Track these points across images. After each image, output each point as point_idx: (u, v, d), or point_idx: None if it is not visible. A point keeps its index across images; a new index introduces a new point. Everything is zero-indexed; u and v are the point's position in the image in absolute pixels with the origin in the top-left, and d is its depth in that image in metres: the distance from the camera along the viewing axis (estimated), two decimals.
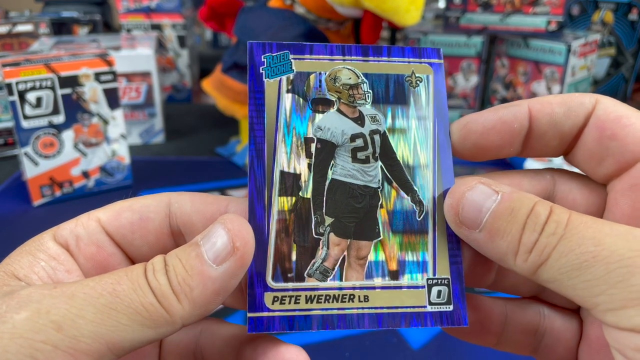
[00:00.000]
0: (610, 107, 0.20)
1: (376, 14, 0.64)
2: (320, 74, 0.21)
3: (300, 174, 0.20)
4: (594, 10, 0.92)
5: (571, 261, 0.17)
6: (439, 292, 0.20)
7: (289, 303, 0.19)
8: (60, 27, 0.96)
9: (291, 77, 0.20)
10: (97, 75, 0.65)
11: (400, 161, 0.21)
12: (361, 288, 0.20)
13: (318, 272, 0.20)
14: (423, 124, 0.21)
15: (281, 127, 0.20)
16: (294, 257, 0.20)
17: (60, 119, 0.65)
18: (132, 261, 0.22)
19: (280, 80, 0.20)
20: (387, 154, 0.21)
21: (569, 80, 0.81)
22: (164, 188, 0.71)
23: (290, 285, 0.19)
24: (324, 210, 0.20)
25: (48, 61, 0.63)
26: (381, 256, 0.20)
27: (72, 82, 0.64)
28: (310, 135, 0.20)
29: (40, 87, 0.62)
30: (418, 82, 0.21)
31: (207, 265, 0.18)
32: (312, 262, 0.20)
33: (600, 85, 0.96)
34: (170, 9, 1.02)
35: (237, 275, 0.18)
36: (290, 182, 0.20)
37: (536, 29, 0.83)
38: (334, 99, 0.21)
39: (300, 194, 0.20)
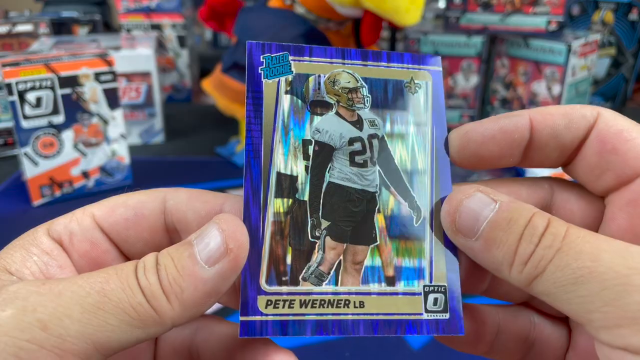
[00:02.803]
0: (612, 121, 0.20)
1: (376, 14, 0.64)
2: (319, 76, 0.21)
3: (297, 176, 0.20)
4: (594, 10, 0.92)
5: (567, 275, 0.17)
6: (436, 299, 0.20)
7: (283, 307, 0.19)
8: (60, 27, 0.96)
9: (290, 79, 0.20)
10: (97, 75, 0.65)
11: (398, 166, 0.21)
12: (357, 293, 0.20)
13: (313, 276, 0.19)
14: (421, 131, 0.21)
15: (279, 129, 0.20)
16: (288, 260, 0.19)
17: (60, 119, 0.65)
18: (127, 257, 0.21)
19: (278, 81, 0.20)
20: (385, 159, 0.21)
21: (569, 80, 0.81)
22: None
23: (284, 289, 0.19)
24: (320, 214, 0.20)
25: (48, 61, 0.63)
26: (377, 261, 0.20)
27: (72, 82, 0.64)
28: (308, 137, 0.20)
29: (40, 87, 0.62)
30: (417, 88, 0.21)
31: (199, 266, 0.17)
32: (307, 266, 0.19)
33: (600, 85, 0.96)
34: (170, 9, 1.01)
35: (229, 278, 0.18)
36: (287, 184, 0.20)
37: (536, 29, 0.83)
38: (332, 102, 0.21)
39: (296, 196, 0.20)
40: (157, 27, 1.02)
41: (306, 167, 0.20)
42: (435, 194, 0.21)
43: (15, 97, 0.61)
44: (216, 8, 0.76)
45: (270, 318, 0.19)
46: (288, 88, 0.20)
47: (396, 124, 0.21)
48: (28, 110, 0.63)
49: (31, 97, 0.62)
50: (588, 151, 0.20)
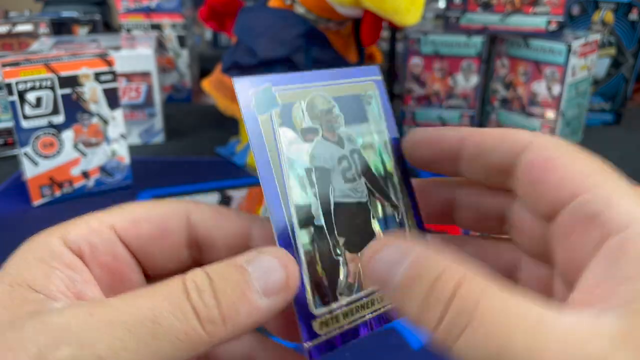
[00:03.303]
0: (542, 149, 0.19)
1: (376, 14, 0.64)
2: (300, 103, 0.21)
3: (310, 204, 0.21)
4: (594, 10, 0.92)
5: (477, 356, 0.15)
6: None
7: (333, 324, 0.21)
8: (60, 27, 0.96)
9: (279, 111, 0.21)
10: (97, 75, 0.65)
11: (375, 174, 0.23)
12: (372, 292, 0.22)
13: (346, 288, 0.21)
14: (382, 138, 0.23)
15: (285, 162, 0.20)
16: (325, 282, 0.21)
17: (60, 119, 0.65)
18: (144, 269, 0.21)
19: (270, 115, 0.20)
20: (365, 169, 0.23)
21: (569, 80, 0.81)
22: (163, 188, 0.71)
23: (329, 308, 0.21)
24: (336, 233, 0.21)
25: (48, 61, 0.63)
26: None
27: (72, 82, 0.64)
28: (309, 165, 0.21)
29: (40, 87, 0.62)
30: (369, 99, 0.23)
31: (255, 293, 0.17)
32: (338, 282, 0.21)
33: (600, 85, 0.96)
34: (170, 9, 1.01)
35: (279, 310, 0.18)
36: (305, 214, 0.21)
37: (536, 29, 0.83)
38: (317, 127, 0.22)
39: (315, 222, 0.21)
40: (157, 27, 1.02)
41: (314, 194, 0.21)
42: (402, 191, 0.24)
43: (15, 97, 0.61)
44: (216, 8, 0.76)
45: (326, 337, 0.21)
46: (280, 121, 0.21)
47: (365, 135, 0.23)
48: (28, 110, 0.63)
49: (31, 97, 0.62)
50: (521, 180, 0.20)
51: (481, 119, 0.93)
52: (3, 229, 0.61)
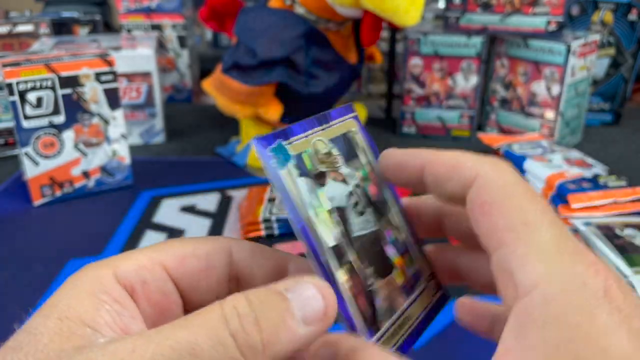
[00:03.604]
0: (482, 189, 0.20)
1: (376, 15, 0.64)
2: (307, 151, 0.23)
3: (338, 244, 0.22)
4: (594, 11, 0.92)
5: None
6: (432, 286, 0.26)
7: (384, 347, 0.22)
8: (61, 27, 0.96)
9: (294, 162, 0.22)
10: (98, 75, 0.65)
11: (375, 201, 0.25)
12: (405, 310, 0.24)
13: (384, 314, 0.23)
14: (372, 167, 0.25)
15: (311, 210, 0.22)
16: (369, 313, 0.22)
17: (60, 119, 0.65)
18: (185, 303, 0.22)
19: (289, 169, 0.22)
20: (369, 200, 0.24)
21: (569, 81, 0.81)
22: (164, 188, 0.71)
23: (377, 336, 0.22)
24: (364, 264, 0.23)
25: (48, 61, 0.63)
26: (402, 280, 0.24)
27: (72, 82, 0.64)
28: (328, 207, 0.22)
29: (41, 87, 0.63)
30: (354, 135, 0.25)
31: (296, 322, 0.17)
32: (377, 309, 0.23)
33: (599, 86, 0.96)
34: (171, 9, 1.02)
35: (316, 339, 0.18)
36: (338, 254, 0.22)
37: (536, 29, 0.83)
38: (324, 170, 0.23)
39: (347, 260, 0.22)
40: (157, 27, 1.02)
41: (340, 233, 0.22)
42: (398, 213, 0.26)
43: (16, 97, 0.62)
44: (216, 8, 0.76)
45: None
46: (298, 171, 0.22)
47: (359, 168, 0.25)
48: (29, 110, 0.63)
49: (32, 97, 0.63)
50: (469, 212, 0.21)
51: (481, 119, 0.94)
52: (3, 228, 0.61)
